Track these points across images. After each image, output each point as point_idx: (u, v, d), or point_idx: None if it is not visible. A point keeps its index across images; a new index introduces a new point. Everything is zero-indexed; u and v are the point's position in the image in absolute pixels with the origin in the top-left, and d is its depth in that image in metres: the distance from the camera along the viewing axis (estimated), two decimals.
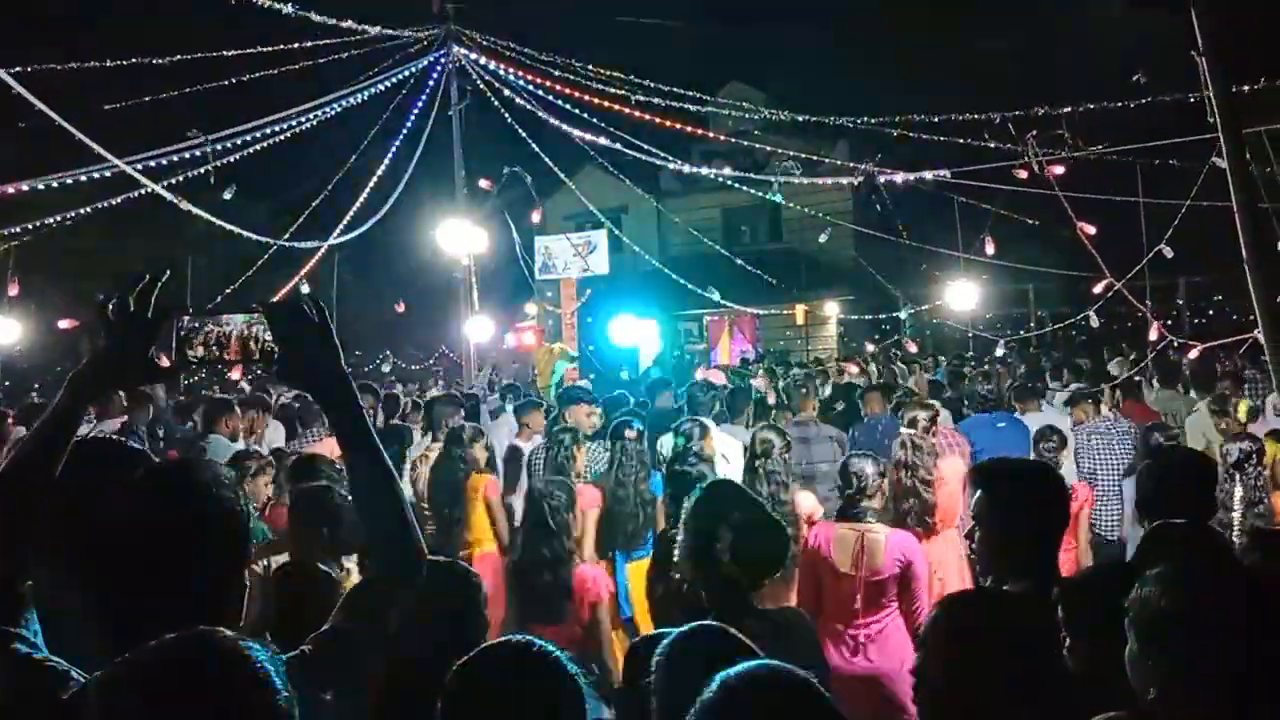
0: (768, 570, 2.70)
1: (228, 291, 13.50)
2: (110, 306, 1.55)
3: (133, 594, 1.43)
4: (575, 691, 1.57)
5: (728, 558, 2.59)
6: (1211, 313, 22.36)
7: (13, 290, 11.56)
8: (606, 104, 12.38)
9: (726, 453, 5.63)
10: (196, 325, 1.53)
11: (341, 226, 13.57)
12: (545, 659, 1.59)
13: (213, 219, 10.08)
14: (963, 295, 14.23)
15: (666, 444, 5.69)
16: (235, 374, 10.28)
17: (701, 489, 2.84)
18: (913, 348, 15.25)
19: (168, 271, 1.54)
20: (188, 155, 10.26)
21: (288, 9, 9.47)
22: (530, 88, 12.90)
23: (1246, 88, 6.58)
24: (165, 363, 1.56)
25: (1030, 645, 1.98)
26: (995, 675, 1.91)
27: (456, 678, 1.60)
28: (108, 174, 9.28)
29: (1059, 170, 8.66)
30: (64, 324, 12.60)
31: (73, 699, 1.39)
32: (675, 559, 2.83)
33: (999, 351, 12.74)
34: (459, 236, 12.96)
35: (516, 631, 3.63)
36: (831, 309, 23.97)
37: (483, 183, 13.80)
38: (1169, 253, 8.31)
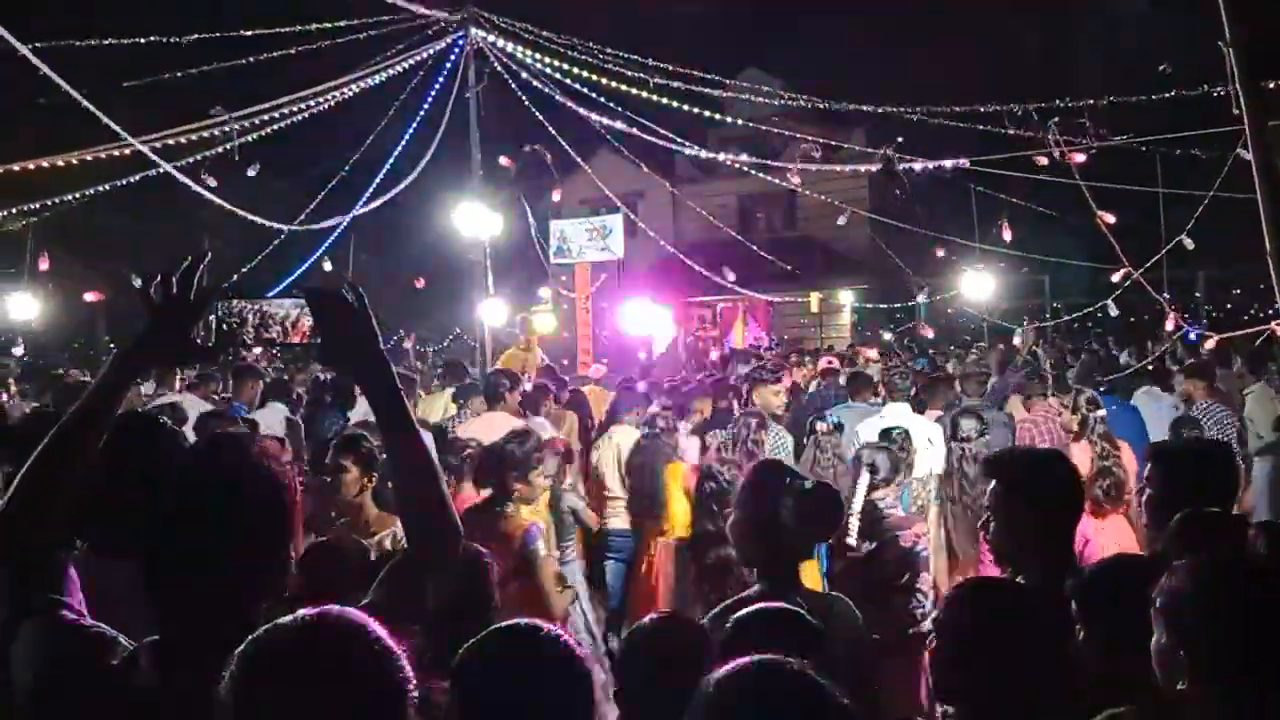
0: (827, 532, 3.01)
1: (244, 270, 13.58)
2: (153, 287, 1.58)
3: (178, 564, 1.45)
4: (584, 675, 1.58)
5: (792, 523, 2.68)
6: (1230, 306, 22.18)
7: (44, 265, 11.70)
8: (623, 88, 12.35)
9: (931, 436, 5.75)
10: (243, 307, 1.57)
11: (358, 209, 13.62)
12: (555, 642, 1.59)
13: (228, 205, 10.09)
14: (978, 284, 14.15)
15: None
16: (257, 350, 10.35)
17: (754, 466, 3.04)
18: (928, 332, 15.17)
19: (209, 254, 1.58)
20: (206, 134, 10.30)
21: None
22: (548, 71, 12.87)
23: (1272, 84, 6.52)
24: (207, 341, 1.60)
25: (1041, 636, 1.97)
26: (1005, 665, 1.93)
27: (466, 658, 1.60)
28: (127, 151, 9.32)
29: (1080, 158, 8.55)
30: (90, 296, 12.71)
31: (122, 665, 1.41)
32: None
33: (1016, 340, 12.64)
34: (475, 219, 12.96)
35: (695, 606, 3.79)
36: (846, 297, 23.88)
37: (503, 160, 13.76)
38: (1189, 243, 8.24)
